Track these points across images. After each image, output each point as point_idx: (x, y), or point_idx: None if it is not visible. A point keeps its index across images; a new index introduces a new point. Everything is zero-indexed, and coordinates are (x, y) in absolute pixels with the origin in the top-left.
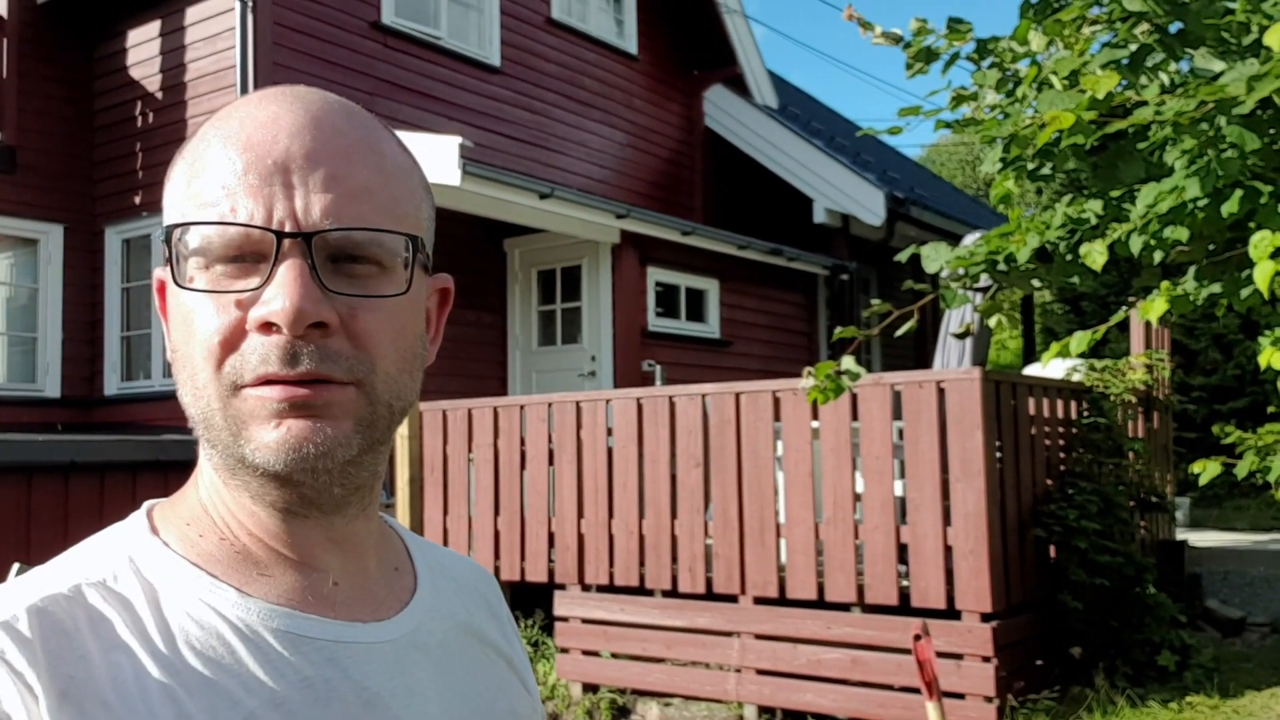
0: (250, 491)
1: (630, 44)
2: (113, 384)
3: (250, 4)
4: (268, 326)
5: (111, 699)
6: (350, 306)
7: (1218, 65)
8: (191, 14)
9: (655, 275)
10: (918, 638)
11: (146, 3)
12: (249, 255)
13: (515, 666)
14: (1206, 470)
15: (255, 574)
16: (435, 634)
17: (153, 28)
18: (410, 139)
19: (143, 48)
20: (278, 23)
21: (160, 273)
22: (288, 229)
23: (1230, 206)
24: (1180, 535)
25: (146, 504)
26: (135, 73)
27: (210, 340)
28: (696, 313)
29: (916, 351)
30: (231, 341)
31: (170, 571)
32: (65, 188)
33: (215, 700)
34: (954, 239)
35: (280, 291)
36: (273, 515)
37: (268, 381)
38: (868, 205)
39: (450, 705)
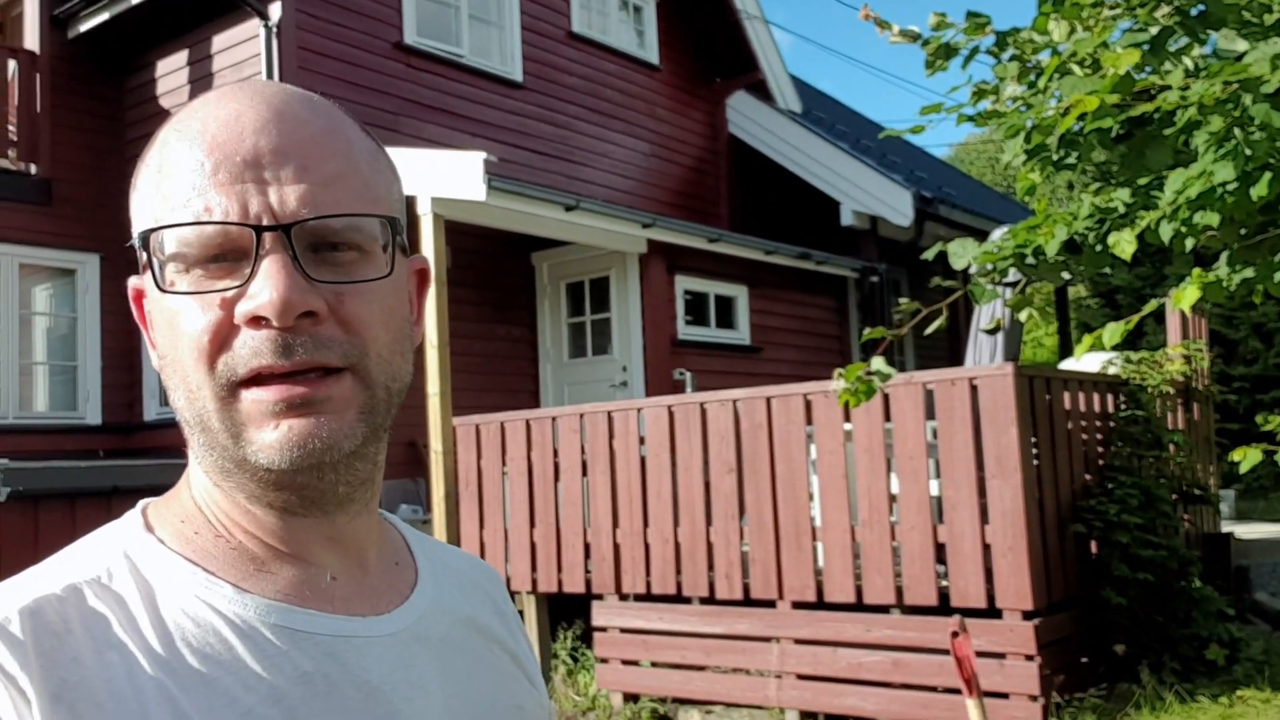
0: (246, 493)
1: (651, 54)
2: (151, 410)
3: (274, 29)
4: (257, 321)
5: (105, 700)
6: (336, 294)
7: (1241, 45)
8: (217, 41)
9: (683, 283)
10: (955, 634)
11: (174, 32)
12: (229, 254)
13: (520, 661)
14: (1247, 458)
15: (251, 570)
16: (437, 628)
17: (180, 57)
18: (435, 156)
19: (171, 77)
20: (301, 46)
21: (136, 282)
22: (265, 222)
23: (1260, 189)
24: (1226, 527)
25: (141, 502)
26: (165, 101)
27: (200, 340)
28: (726, 320)
29: (950, 349)
30: (221, 339)
31: (166, 568)
32: (100, 218)
33: (212, 697)
34: (984, 237)
35: (266, 284)
36: (269, 514)
37: (261, 377)
38: (896, 206)
39: (453, 698)
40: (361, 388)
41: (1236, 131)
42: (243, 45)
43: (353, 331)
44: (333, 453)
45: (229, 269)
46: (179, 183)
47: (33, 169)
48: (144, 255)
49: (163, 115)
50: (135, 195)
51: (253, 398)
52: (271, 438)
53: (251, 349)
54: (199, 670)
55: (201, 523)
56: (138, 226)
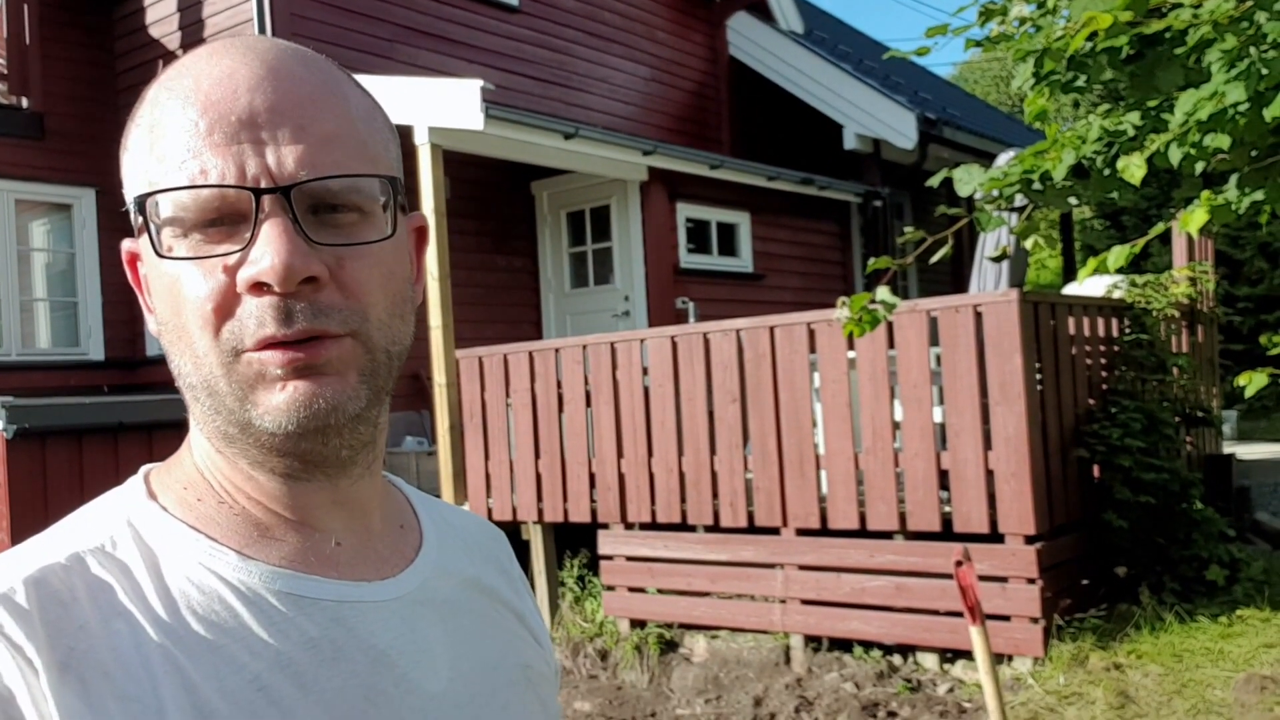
0: (249, 458)
1: None
2: (154, 345)
3: None
4: (259, 287)
5: (113, 668)
6: (337, 256)
7: None
8: None
9: (685, 211)
10: (959, 563)
11: None
12: (227, 217)
13: (526, 621)
14: (1253, 382)
15: (255, 536)
16: (442, 590)
17: None
18: (431, 84)
19: (160, 5)
20: None
21: (131, 245)
22: (264, 185)
23: (1273, 110)
24: (1228, 448)
25: (144, 469)
26: (154, 31)
27: (203, 308)
28: (728, 247)
29: (953, 276)
30: (225, 307)
31: (169, 536)
32: (94, 151)
33: (219, 665)
34: (988, 159)
35: (267, 249)
36: (273, 480)
37: (268, 344)
38: (899, 128)
39: (460, 660)
40: (363, 351)
41: (1250, 50)
42: None
43: (352, 296)
44: (337, 415)
45: (227, 233)
46: (173, 143)
47: (24, 103)
48: (139, 219)
49: (153, 45)
50: (126, 156)
51: (259, 359)
52: (277, 400)
53: (257, 319)
54: (205, 638)
55: (204, 489)
56: (131, 189)
